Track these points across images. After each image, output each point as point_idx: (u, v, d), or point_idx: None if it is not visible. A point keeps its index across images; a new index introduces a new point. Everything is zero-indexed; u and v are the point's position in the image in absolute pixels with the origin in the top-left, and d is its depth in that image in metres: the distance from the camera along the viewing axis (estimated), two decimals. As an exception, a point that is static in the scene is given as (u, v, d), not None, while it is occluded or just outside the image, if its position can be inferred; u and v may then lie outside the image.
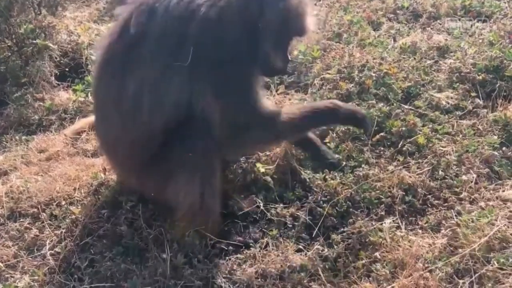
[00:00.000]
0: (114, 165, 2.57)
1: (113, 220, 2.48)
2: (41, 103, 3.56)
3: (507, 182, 2.50)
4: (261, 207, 2.45)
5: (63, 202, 2.64)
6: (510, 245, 2.13)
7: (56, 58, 3.90)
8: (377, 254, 2.21)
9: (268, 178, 2.59)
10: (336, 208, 2.42)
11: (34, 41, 3.76)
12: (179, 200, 2.30)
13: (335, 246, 2.26)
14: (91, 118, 3.21)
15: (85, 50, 3.95)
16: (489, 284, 2.01)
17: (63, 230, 2.49)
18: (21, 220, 2.59)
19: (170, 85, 2.19)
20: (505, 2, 4.18)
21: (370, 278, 2.13)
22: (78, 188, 2.71)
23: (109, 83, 2.30)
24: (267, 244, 2.32)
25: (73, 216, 2.54)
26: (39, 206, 2.62)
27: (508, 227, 2.21)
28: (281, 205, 2.47)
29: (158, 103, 2.21)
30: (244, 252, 2.31)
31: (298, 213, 2.43)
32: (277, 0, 2.21)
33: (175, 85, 2.19)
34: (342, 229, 2.35)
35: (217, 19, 2.14)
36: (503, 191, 2.46)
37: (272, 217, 2.42)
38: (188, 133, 2.23)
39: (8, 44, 3.84)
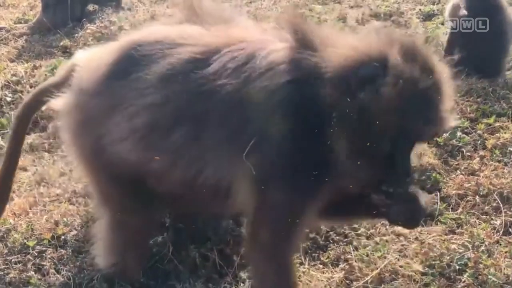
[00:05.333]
0: None
1: (20, 266, 2.46)
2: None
3: (401, 217, 2.72)
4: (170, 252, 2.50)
5: (-31, 249, 2.58)
6: (399, 276, 2.33)
7: (-30, 99, 3.80)
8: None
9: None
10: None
11: None
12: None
13: (241, 284, 2.36)
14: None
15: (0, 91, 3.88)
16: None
17: (-32, 279, 2.43)
18: None
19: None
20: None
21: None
22: (-16, 235, 2.66)
23: None
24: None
25: (-21, 264, 2.49)
26: None
27: (398, 259, 2.42)
28: (192, 246, 2.52)
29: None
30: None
31: (208, 254, 2.50)
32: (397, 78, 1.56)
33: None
34: (249, 267, 2.44)
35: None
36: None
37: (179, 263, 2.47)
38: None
39: None
